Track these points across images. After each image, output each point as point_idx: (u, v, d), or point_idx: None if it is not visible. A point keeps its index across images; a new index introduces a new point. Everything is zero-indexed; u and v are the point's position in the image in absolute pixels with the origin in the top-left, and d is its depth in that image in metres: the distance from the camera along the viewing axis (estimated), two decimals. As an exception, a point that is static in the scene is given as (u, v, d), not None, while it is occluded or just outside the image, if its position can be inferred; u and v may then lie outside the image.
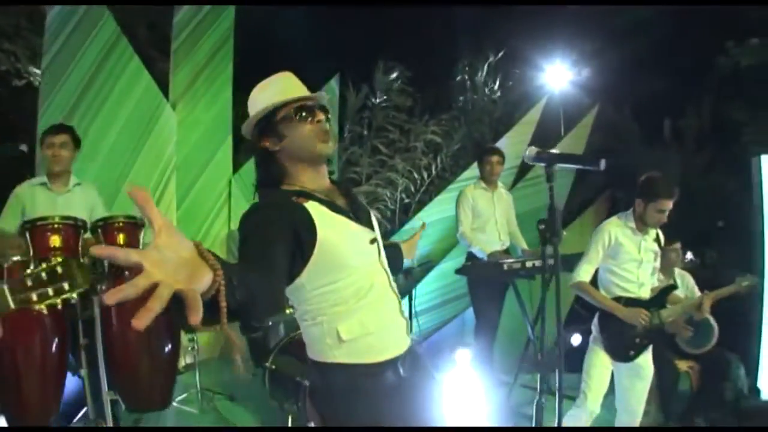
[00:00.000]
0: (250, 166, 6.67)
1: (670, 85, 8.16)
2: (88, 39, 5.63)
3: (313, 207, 1.91)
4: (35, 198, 3.80)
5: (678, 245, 4.94)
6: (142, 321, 1.05)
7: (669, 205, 3.59)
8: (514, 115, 8.45)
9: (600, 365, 3.73)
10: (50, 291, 1.76)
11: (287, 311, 4.27)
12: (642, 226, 3.69)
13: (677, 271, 5.01)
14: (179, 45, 6.42)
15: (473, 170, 6.25)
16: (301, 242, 1.83)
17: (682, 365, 4.80)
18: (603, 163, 2.41)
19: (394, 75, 8.84)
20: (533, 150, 2.47)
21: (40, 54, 6.90)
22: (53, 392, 3.15)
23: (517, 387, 5.09)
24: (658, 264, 3.86)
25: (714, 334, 4.61)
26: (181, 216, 6.16)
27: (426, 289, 6.38)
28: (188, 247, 1.20)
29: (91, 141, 5.40)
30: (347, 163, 8.44)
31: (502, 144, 6.89)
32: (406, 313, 2.21)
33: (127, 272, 3.12)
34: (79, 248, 3.06)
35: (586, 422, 3.73)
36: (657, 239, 3.82)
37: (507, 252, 5.28)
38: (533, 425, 2.89)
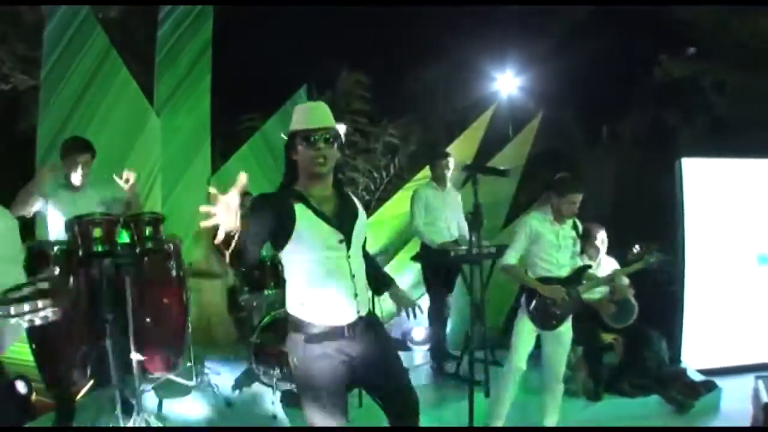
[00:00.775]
0: (226, 168, 7.34)
1: (611, 93, 8.92)
2: (81, 52, 6.14)
3: (299, 207, 2.73)
4: (57, 198, 4.46)
5: (602, 233, 5.63)
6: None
7: (578, 198, 4.34)
8: (466, 119, 9.00)
9: (526, 332, 4.47)
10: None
11: (266, 292, 5.02)
12: (559, 217, 4.42)
13: (604, 257, 5.68)
14: (162, 57, 6.88)
15: (427, 170, 6.75)
16: (282, 227, 2.70)
17: (608, 337, 5.60)
18: (508, 172, 3.68)
19: (355, 82, 9.52)
20: (460, 165, 3.31)
21: (26, 60, 7.35)
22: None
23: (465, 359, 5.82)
24: (578, 249, 4.62)
25: (634, 312, 5.44)
26: (166, 212, 6.60)
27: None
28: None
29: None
30: None
31: (454, 147, 7.62)
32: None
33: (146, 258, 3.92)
34: (115, 237, 3.72)
35: (513, 377, 4.51)
36: (575, 227, 4.56)
37: (456, 242, 5.99)
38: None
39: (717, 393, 5.57)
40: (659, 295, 6.44)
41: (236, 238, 2.25)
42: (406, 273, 7.07)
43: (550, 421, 4.67)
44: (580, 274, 4.57)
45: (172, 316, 4.36)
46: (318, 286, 2.80)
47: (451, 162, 6.16)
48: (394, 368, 3.05)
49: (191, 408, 4.39)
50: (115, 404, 3.77)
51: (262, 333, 4.77)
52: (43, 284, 1.92)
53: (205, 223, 2.10)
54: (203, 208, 2.08)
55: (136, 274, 3.74)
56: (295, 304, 2.82)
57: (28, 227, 4.81)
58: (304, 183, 2.84)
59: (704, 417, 5.34)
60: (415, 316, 3.12)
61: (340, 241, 2.80)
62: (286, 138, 2.88)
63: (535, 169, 8.16)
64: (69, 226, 3.75)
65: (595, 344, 5.50)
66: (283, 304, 4.79)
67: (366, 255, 3.04)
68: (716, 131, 8.23)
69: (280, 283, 5.05)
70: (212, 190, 2.16)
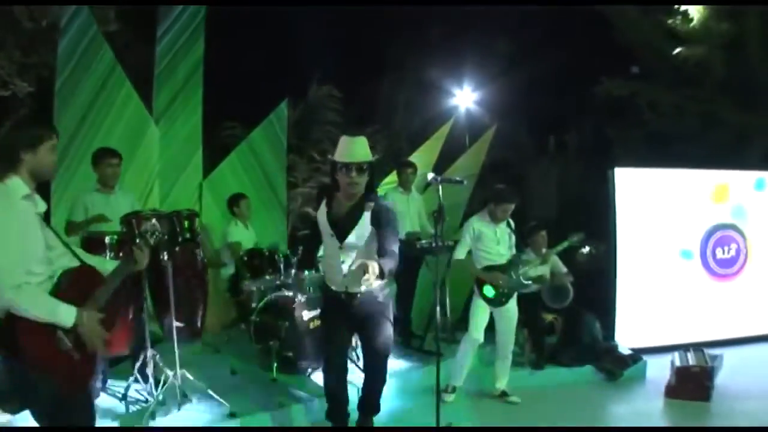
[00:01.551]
0: (216, 172, 7.97)
1: (557, 108, 9.86)
2: (91, 67, 6.75)
3: (321, 213, 4.11)
4: (94, 200, 5.29)
5: (544, 233, 6.60)
6: None
7: (510, 207, 5.44)
8: (427, 130, 9.77)
9: (480, 310, 5.52)
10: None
11: (266, 277, 5.88)
12: (495, 219, 5.48)
13: (545, 250, 6.55)
14: (160, 72, 7.52)
15: (393, 176, 7.70)
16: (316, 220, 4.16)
17: (549, 317, 6.61)
18: (464, 181, 4.81)
19: (328, 95, 10.35)
20: (429, 175, 4.38)
21: (24, 67, 7.85)
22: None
23: (429, 338, 6.76)
24: (513, 242, 5.64)
25: (569, 295, 6.54)
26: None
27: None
28: None
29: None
30: (288, 168, 9.75)
31: (417, 155, 8.50)
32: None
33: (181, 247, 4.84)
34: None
35: (472, 347, 5.54)
36: (508, 225, 5.59)
37: (418, 237, 6.87)
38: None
39: (642, 364, 6.56)
40: (594, 284, 7.44)
41: None
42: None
43: (501, 383, 5.70)
44: (516, 261, 5.60)
45: (197, 296, 5.30)
46: (326, 264, 4.26)
47: (415, 170, 7.11)
48: (377, 327, 4.21)
49: (200, 375, 5.14)
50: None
51: (260, 313, 5.63)
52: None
53: None
54: None
55: (173, 260, 4.60)
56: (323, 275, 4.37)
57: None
58: (338, 195, 4.04)
59: (632, 384, 6.30)
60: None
61: (331, 236, 4.06)
62: (332, 159, 3.97)
63: (488, 176, 9.01)
64: (125, 219, 4.55)
65: (538, 324, 6.50)
66: (277, 288, 5.73)
67: (381, 249, 3.89)
68: (647, 144, 9.17)
69: (276, 270, 5.94)
70: None
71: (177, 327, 4.58)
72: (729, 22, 8.95)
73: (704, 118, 9.19)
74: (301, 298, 5.61)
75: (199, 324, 5.31)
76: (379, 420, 4.59)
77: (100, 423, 3.67)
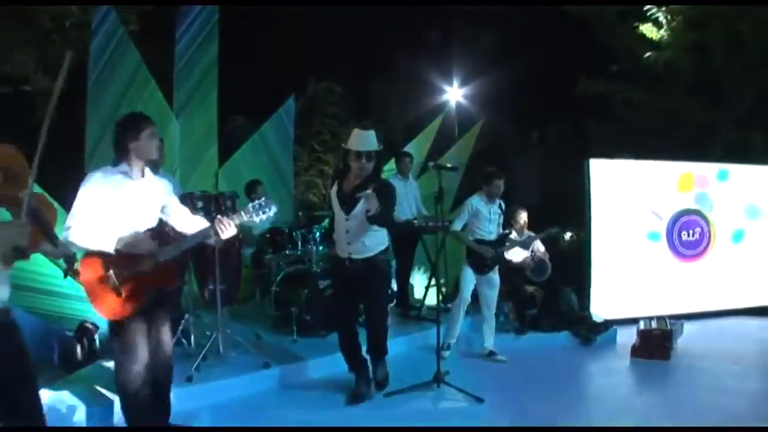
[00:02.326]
0: (230, 162, 8.74)
1: (540, 104, 10.60)
2: (119, 65, 7.36)
3: (333, 191, 4.99)
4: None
5: (524, 214, 7.48)
6: None
7: (501, 182, 6.28)
8: (420, 123, 10.41)
9: (468, 276, 6.44)
10: None
11: (286, 252, 6.68)
12: (489, 198, 6.34)
13: (526, 231, 7.51)
14: (179, 70, 8.20)
15: (390, 164, 8.31)
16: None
17: (530, 289, 7.46)
18: (458, 167, 6.19)
19: (327, 90, 11.10)
20: (431, 164, 5.46)
21: (45, 65, 8.40)
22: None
23: (425, 309, 7.71)
24: (501, 220, 6.50)
25: (548, 270, 7.44)
26: (183, 199, 8.01)
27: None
28: None
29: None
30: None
31: (412, 145, 9.28)
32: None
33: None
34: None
35: (462, 305, 6.48)
36: (500, 207, 6.45)
37: (414, 219, 7.62)
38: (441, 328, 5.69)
39: (613, 331, 7.41)
40: (572, 261, 8.32)
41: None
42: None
43: (489, 343, 6.58)
44: (503, 239, 6.50)
45: (235, 266, 6.12)
46: (335, 233, 5.08)
47: (412, 159, 7.92)
48: (375, 286, 5.07)
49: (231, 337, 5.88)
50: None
51: (280, 284, 6.45)
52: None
53: None
54: None
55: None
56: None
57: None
58: (350, 173, 4.87)
59: (603, 348, 7.13)
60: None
61: (340, 209, 4.91)
62: (345, 147, 4.84)
63: (476, 165, 9.76)
64: (186, 197, 5.26)
65: (521, 295, 7.40)
66: (295, 262, 6.53)
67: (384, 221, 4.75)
68: (621, 138, 9.94)
69: (294, 246, 6.74)
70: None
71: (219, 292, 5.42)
72: (694, 30, 9.78)
73: (673, 115, 9.98)
74: (316, 269, 6.47)
75: (235, 291, 6.11)
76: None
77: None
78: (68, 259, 3.03)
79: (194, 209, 4.74)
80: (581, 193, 8.34)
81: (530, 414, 5.11)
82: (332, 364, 5.65)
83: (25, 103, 8.35)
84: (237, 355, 5.58)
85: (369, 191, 4.48)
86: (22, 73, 7.95)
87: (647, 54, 10.02)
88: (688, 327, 7.69)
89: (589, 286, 8.26)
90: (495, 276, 6.48)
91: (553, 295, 7.52)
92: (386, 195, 4.68)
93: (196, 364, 5.13)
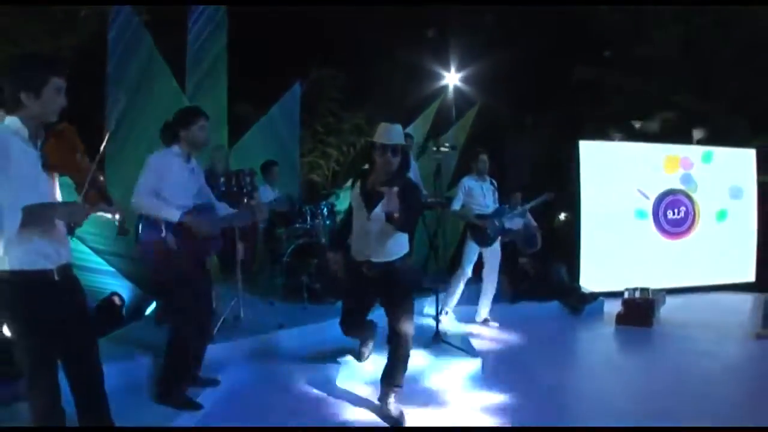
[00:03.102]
0: (240, 144, 9.14)
1: (535, 88, 10.98)
2: (135, 53, 7.81)
3: (356, 188, 4.46)
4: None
5: (518, 193, 8.04)
6: None
7: (484, 156, 6.89)
8: (419, 106, 10.66)
9: (470, 249, 6.92)
10: None
11: (296, 226, 7.16)
12: (480, 175, 6.87)
13: (519, 206, 7.86)
14: (191, 57, 8.66)
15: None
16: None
17: (522, 260, 8.03)
18: (456, 147, 6.39)
19: (330, 75, 11.52)
20: (431, 143, 5.67)
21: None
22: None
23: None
24: (496, 195, 7.00)
25: (538, 243, 7.89)
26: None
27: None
28: None
29: (139, 130, 7.48)
30: None
31: (412, 127, 9.61)
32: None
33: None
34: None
35: (463, 280, 6.94)
36: (492, 183, 6.97)
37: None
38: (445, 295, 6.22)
39: (600, 302, 7.95)
40: (564, 236, 8.84)
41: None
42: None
43: (485, 313, 7.18)
44: (500, 211, 6.97)
45: (254, 238, 6.62)
46: (354, 234, 4.52)
47: (413, 140, 8.37)
48: (396, 304, 4.46)
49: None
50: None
51: (291, 255, 6.94)
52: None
53: None
54: None
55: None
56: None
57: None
58: (374, 170, 4.34)
59: (591, 317, 7.66)
60: None
61: (361, 208, 4.37)
62: (370, 141, 4.31)
63: (472, 147, 10.20)
64: (208, 173, 5.69)
65: (514, 266, 7.97)
66: (303, 236, 7.01)
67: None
68: (612, 121, 10.39)
69: (303, 220, 7.20)
70: None
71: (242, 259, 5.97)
72: (683, 24, 10.23)
73: (662, 100, 10.43)
74: (324, 241, 7.00)
75: (251, 263, 6.60)
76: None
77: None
78: (122, 216, 3.30)
79: (216, 185, 5.20)
80: (571, 173, 8.87)
81: (520, 368, 5.67)
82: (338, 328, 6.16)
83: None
84: (252, 319, 6.08)
85: (390, 188, 3.98)
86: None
87: (640, 44, 10.45)
88: (672, 300, 8.26)
89: (579, 260, 8.80)
90: (497, 248, 6.99)
91: (545, 268, 8.05)
92: (411, 196, 4.17)
93: (218, 325, 5.62)
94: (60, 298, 2.97)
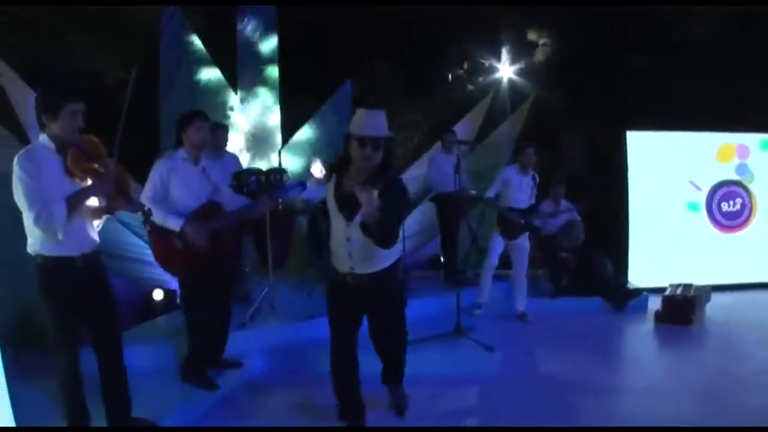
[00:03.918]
0: (292, 142, 9.42)
1: (588, 77, 10.74)
2: (188, 57, 8.34)
3: (330, 189, 3.73)
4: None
5: (562, 187, 7.97)
6: None
7: (531, 151, 6.84)
8: (473, 99, 10.77)
9: (496, 242, 7.03)
10: None
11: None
12: (523, 169, 6.87)
13: (564, 202, 7.98)
14: (242, 58, 9.10)
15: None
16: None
17: (563, 255, 7.97)
18: (469, 142, 7.25)
19: (382, 70, 11.60)
20: (450, 138, 6.77)
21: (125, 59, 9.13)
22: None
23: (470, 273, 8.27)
24: (534, 192, 7.00)
25: (579, 239, 7.79)
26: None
27: (411, 220, 8.95)
28: None
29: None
30: None
31: (463, 122, 9.67)
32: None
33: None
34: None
35: (491, 270, 7.10)
36: (533, 178, 6.95)
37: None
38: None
39: (644, 298, 7.73)
40: (611, 230, 8.75)
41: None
42: (425, 216, 8.98)
43: (521, 305, 7.16)
44: (533, 208, 7.01)
45: (284, 232, 6.87)
46: (332, 243, 3.81)
47: (455, 136, 8.38)
48: (390, 312, 4.02)
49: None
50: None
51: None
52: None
53: None
54: None
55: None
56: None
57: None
58: (350, 167, 3.59)
59: (633, 314, 7.48)
60: None
61: (338, 212, 3.66)
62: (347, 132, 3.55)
63: (527, 140, 10.13)
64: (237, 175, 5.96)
65: (554, 260, 7.94)
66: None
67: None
68: (663, 109, 9.95)
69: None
70: None
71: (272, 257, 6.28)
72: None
73: (716, 86, 10.03)
74: None
75: (283, 255, 6.88)
76: (422, 320, 6.06)
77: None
78: (143, 211, 3.79)
79: (247, 184, 5.50)
80: (620, 164, 8.72)
81: (541, 367, 5.70)
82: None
83: (107, 95, 8.96)
84: (286, 308, 6.44)
85: (367, 186, 3.29)
86: (103, 69, 8.67)
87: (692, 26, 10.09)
88: (722, 297, 8.02)
89: (626, 255, 8.67)
90: (524, 242, 7.01)
91: (586, 262, 7.96)
92: (393, 196, 3.45)
93: (250, 313, 6.04)
94: (83, 280, 3.58)
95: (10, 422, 3.47)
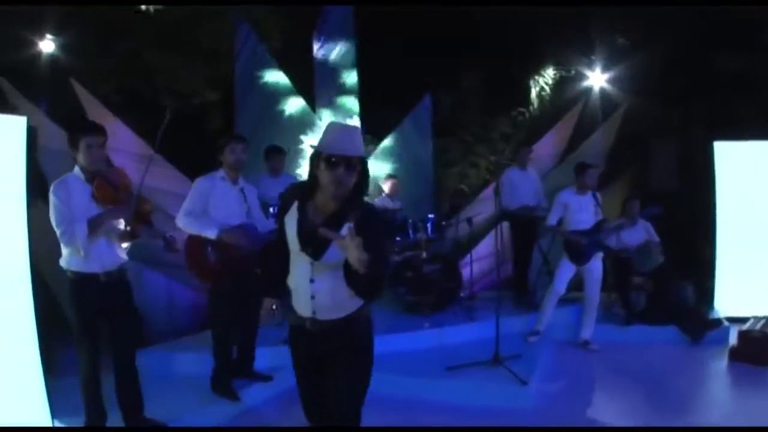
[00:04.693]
0: (372, 158, 9.33)
1: (683, 83, 10.10)
2: (261, 77, 8.49)
3: (290, 218, 2.95)
4: (265, 181, 6.92)
5: (637, 202, 7.45)
6: None
7: (595, 171, 6.63)
8: (562, 110, 10.36)
9: (564, 266, 6.78)
10: None
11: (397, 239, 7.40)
12: (582, 189, 6.64)
13: (641, 221, 7.49)
14: (319, 75, 9.25)
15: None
16: (283, 219, 3.03)
17: (638, 280, 7.56)
18: (509, 164, 7.20)
19: (471, 85, 11.47)
20: (492, 158, 6.82)
21: (208, 80, 9.46)
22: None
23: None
24: (597, 211, 6.72)
25: (656, 262, 7.29)
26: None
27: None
28: None
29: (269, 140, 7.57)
30: (440, 151, 10.72)
31: (551, 134, 9.56)
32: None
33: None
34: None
35: (554, 298, 6.84)
36: (594, 196, 6.70)
37: (534, 207, 7.86)
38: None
39: (725, 329, 7.09)
40: (694, 252, 8.22)
41: None
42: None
43: (586, 333, 6.92)
44: (599, 227, 6.71)
45: None
46: (291, 282, 3.08)
47: (531, 151, 8.20)
48: (348, 370, 3.07)
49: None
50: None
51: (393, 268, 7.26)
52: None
53: None
54: None
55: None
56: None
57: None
58: (318, 190, 2.91)
59: (711, 347, 6.85)
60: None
61: (299, 249, 2.93)
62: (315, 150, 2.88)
63: (620, 150, 9.72)
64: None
65: (627, 286, 7.52)
66: (405, 249, 7.40)
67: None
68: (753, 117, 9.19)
69: (405, 233, 7.44)
70: None
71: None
72: None
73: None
74: (424, 255, 7.30)
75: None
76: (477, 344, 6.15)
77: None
78: (163, 237, 4.22)
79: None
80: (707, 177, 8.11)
81: (577, 406, 5.32)
82: (434, 335, 6.75)
83: (194, 114, 9.29)
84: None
85: (349, 225, 2.64)
86: (190, 88, 9.09)
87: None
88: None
89: (713, 280, 8.08)
90: (596, 268, 6.74)
91: (663, 287, 7.47)
92: (377, 230, 2.94)
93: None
94: (105, 295, 4.11)
95: (47, 417, 4.36)
